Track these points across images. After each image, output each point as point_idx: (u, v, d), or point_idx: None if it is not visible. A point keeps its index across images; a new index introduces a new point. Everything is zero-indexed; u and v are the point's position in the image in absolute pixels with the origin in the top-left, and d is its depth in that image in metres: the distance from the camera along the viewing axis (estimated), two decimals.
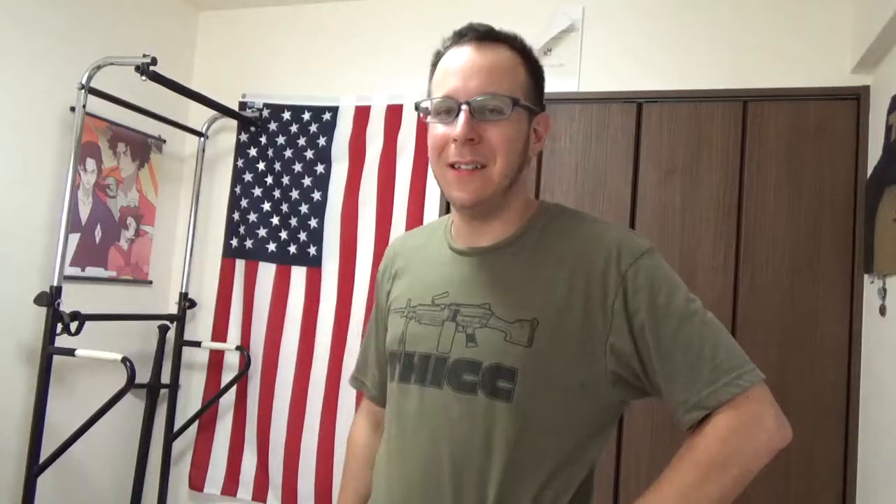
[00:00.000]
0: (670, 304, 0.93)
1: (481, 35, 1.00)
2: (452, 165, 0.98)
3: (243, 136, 2.89)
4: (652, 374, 0.93)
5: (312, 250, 2.74)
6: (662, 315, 0.92)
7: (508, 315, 0.96)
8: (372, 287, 2.60)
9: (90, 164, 2.50)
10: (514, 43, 1.02)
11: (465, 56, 0.99)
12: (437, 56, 1.05)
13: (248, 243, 2.83)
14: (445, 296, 1.03)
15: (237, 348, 2.74)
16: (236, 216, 2.86)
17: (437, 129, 1.00)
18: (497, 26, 1.02)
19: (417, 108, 1.04)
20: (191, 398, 2.85)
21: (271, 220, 2.81)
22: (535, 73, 1.04)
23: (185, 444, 2.83)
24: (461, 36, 1.01)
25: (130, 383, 2.13)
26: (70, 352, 2.18)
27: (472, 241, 1.05)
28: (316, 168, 2.77)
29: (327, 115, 2.78)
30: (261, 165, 2.85)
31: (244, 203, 2.85)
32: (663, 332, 0.92)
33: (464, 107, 0.96)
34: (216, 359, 2.84)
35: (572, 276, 0.96)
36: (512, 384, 0.94)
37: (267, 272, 2.79)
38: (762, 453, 0.89)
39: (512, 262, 1.01)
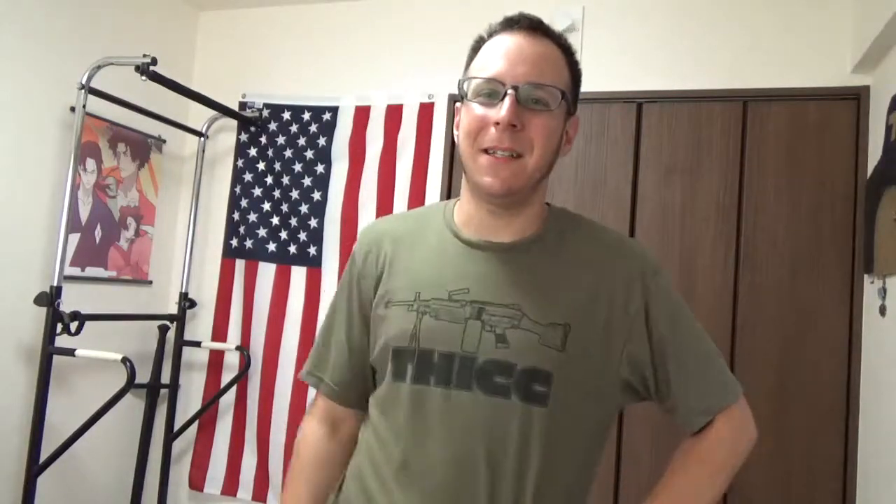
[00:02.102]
0: (685, 320, 1.01)
1: (533, 25, 0.97)
2: (486, 150, 0.93)
3: (243, 136, 2.89)
4: (663, 381, 0.98)
5: (312, 250, 2.74)
6: (679, 329, 1.00)
7: (541, 317, 0.94)
8: None
9: (90, 164, 2.50)
10: (561, 41, 0.99)
11: (514, 42, 0.96)
12: (480, 41, 1.01)
13: (248, 243, 2.83)
14: (465, 292, 0.97)
15: (237, 348, 2.74)
16: (236, 216, 2.86)
17: (475, 111, 0.95)
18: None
19: (459, 87, 0.99)
20: (191, 398, 2.85)
21: (271, 220, 2.81)
22: (576, 76, 1.02)
23: (185, 444, 2.83)
24: (512, 23, 0.97)
25: (130, 383, 2.13)
26: (70, 352, 2.18)
27: (489, 234, 1.00)
28: (316, 168, 2.77)
29: (327, 115, 2.78)
30: (261, 165, 2.85)
31: (244, 203, 2.85)
32: (681, 343, 0.99)
33: (510, 91, 0.92)
34: (216, 359, 2.84)
35: (595, 282, 0.97)
36: (547, 388, 0.92)
37: (267, 272, 2.79)
38: (745, 454, 1.01)
39: (537, 263, 0.98)
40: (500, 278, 0.97)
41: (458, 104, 1.02)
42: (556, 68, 0.97)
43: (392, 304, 1.01)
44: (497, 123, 0.91)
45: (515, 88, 0.92)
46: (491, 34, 0.99)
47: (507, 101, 0.91)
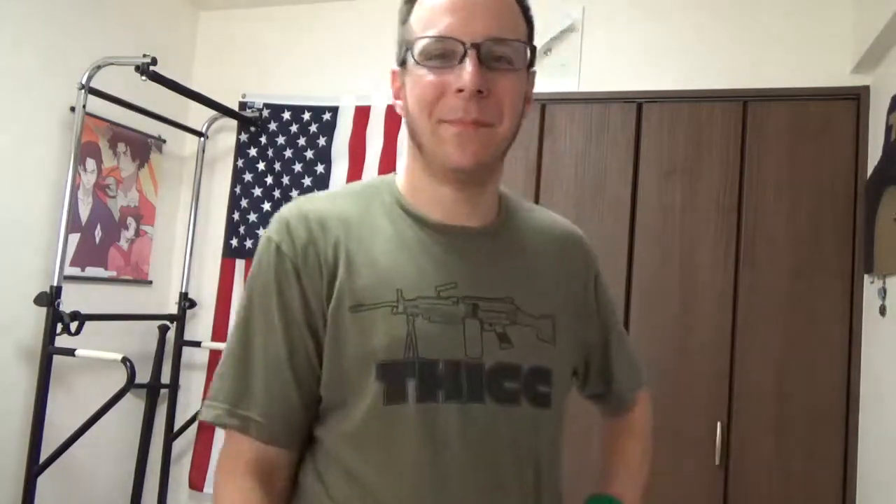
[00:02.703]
0: (614, 302, 1.04)
1: None
2: (449, 121, 0.79)
3: (243, 136, 2.89)
4: (603, 363, 1.00)
5: None
6: (615, 311, 1.03)
7: (534, 309, 0.85)
8: None
9: (90, 164, 2.50)
10: None
11: None
12: None
13: (248, 243, 2.83)
14: (454, 286, 0.82)
15: None
16: (236, 216, 2.86)
17: (426, 77, 0.79)
18: None
19: (405, 48, 0.83)
20: (191, 398, 2.85)
21: (271, 220, 2.81)
22: (531, 25, 0.87)
23: (185, 444, 2.83)
24: None
25: (130, 383, 2.13)
26: (70, 352, 2.18)
27: (456, 218, 0.86)
28: (316, 168, 2.77)
29: (327, 115, 2.78)
30: (261, 165, 2.85)
31: (244, 203, 2.85)
32: (617, 326, 1.02)
33: (471, 51, 0.77)
34: (216, 359, 2.83)
35: (561, 267, 0.92)
36: (549, 388, 0.85)
37: None
38: None
39: (510, 249, 0.89)
40: (483, 268, 0.85)
41: (394, 68, 0.87)
42: (515, 18, 0.83)
43: (364, 307, 0.80)
44: (460, 90, 0.77)
45: (476, 47, 0.77)
46: None
47: (470, 63, 0.77)
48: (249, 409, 0.81)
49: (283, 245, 0.83)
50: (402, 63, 0.84)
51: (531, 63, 0.85)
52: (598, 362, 0.99)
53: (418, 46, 0.80)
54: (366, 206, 0.87)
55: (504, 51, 0.80)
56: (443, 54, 0.79)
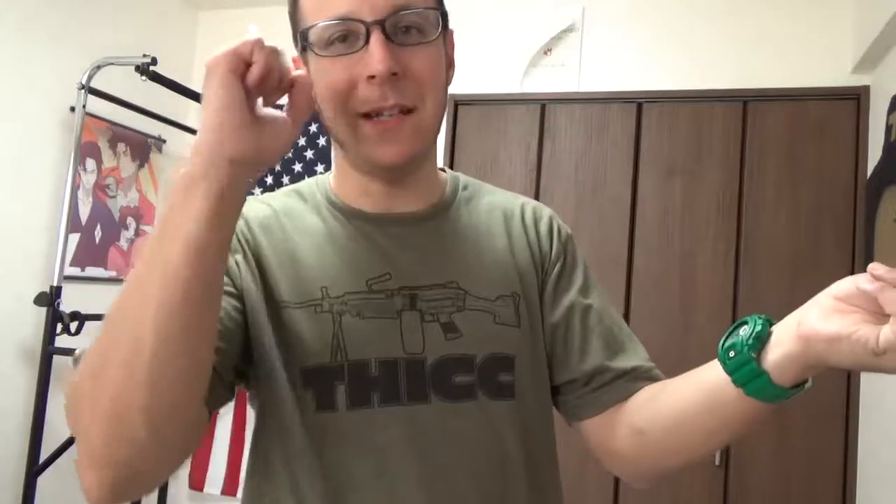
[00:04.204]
0: (595, 285, 0.85)
1: None
2: (368, 115, 0.71)
3: None
4: (572, 350, 0.81)
5: None
6: (590, 292, 0.84)
7: (486, 291, 0.77)
8: None
9: (90, 164, 2.50)
10: None
11: None
12: None
13: None
14: (387, 278, 0.75)
15: None
16: None
17: (331, 69, 0.71)
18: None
19: (299, 40, 0.74)
20: None
21: None
22: None
23: None
24: None
25: None
26: (70, 352, 2.17)
27: (390, 205, 0.79)
28: (316, 168, 2.77)
29: None
30: None
31: None
32: (597, 308, 0.83)
33: (374, 29, 0.68)
34: None
35: (522, 244, 0.83)
36: (512, 376, 0.76)
37: None
38: None
39: (459, 230, 0.81)
40: (423, 255, 0.78)
41: (295, 55, 0.75)
42: None
43: (286, 306, 0.74)
44: (371, 77, 0.69)
45: (380, 24, 0.68)
46: None
47: (376, 44, 0.68)
48: None
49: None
50: (303, 50, 0.74)
51: (445, 25, 0.75)
52: (564, 351, 0.81)
53: (314, 34, 0.71)
54: (294, 206, 0.82)
55: (412, 20, 0.71)
56: (344, 38, 0.70)
